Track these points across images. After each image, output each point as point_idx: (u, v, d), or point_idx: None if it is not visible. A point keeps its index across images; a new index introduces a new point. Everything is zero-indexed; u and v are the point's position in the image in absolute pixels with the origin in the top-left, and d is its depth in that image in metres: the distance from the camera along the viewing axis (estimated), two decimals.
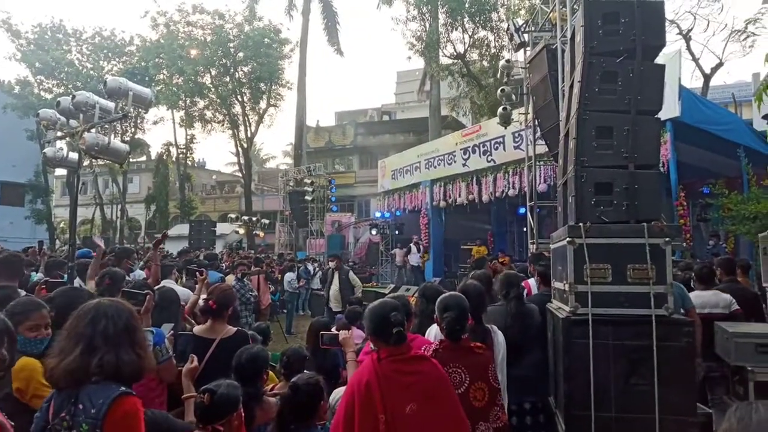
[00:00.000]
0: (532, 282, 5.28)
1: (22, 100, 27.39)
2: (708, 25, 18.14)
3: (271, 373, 3.71)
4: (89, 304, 1.96)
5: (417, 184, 17.85)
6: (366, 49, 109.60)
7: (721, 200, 9.01)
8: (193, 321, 4.46)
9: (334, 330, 4.07)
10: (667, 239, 3.30)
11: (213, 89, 30.41)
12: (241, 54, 29.76)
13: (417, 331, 3.41)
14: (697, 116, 9.32)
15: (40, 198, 29.57)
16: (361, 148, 32.96)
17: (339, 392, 3.11)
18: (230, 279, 7.68)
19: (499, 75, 12.63)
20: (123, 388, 1.77)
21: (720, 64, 18.49)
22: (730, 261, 5.59)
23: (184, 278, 6.51)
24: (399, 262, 17.34)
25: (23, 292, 3.88)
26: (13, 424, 1.84)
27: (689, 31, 17.94)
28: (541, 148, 9.46)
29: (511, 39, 10.12)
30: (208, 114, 31.90)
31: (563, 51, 7.22)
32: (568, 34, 6.60)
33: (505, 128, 11.35)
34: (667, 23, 4.68)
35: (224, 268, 10.67)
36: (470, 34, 20.71)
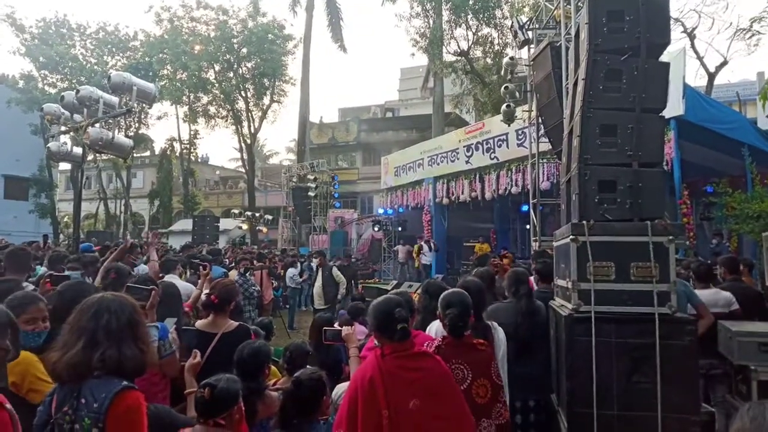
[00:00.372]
0: (532, 279, 5.29)
1: (26, 95, 27.44)
2: (713, 23, 18.26)
3: (273, 368, 3.73)
4: (92, 299, 1.96)
5: (420, 181, 17.86)
6: (369, 46, 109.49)
7: (724, 199, 8.98)
8: (191, 315, 4.48)
9: (336, 326, 4.09)
10: (670, 237, 3.29)
11: (217, 85, 30.45)
12: (244, 50, 29.77)
13: (420, 327, 3.42)
14: (701, 115, 9.29)
15: (44, 192, 29.62)
16: (364, 145, 32.94)
17: (341, 388, 3.12)
18: (233, 274, 7.70)
19: (502, 72, 12.64)
20: (125, 383, 1.78)
21: (724, 63, 18.44)
22: (734, 260, 5.56)
23: (188, 273, 6.53)
24: (401, 258, 17.34)
25: (31, 286, 3.89)
26: None
27: (694, 29, 17.89)
28: (545, 145, 9.46)
29: (515, 36, 10.11)
30: (212, 109, 31.97)
31: (567, 48, 7.22)
32: (572, 32, 6.59)
33: (509, 125, 11.35)
34: (671, 21, 4.67)
35: (227, 263, 10.69)
36: (474, 31, 20.67)
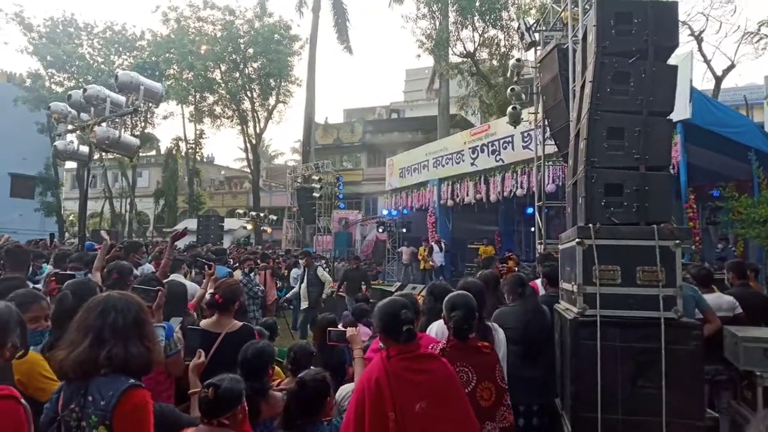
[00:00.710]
0: (538, 283, 5.27)
1: (33, 93, 27.61)
2: (720, 26, 18.15)
3: (277, 368, 3.72)
4: (99, 297, 1.97)
5: (425, 183, 17.84)
6: (375, 47, 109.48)
7: (731, 203, 8.94)
8: (192, 314, 4.48)
9: (341, 327, 4.08)
10: (677, 242, 3.28)
11: (223, 85, 30.53)
12: (251, 50, 29.85)
13: (423, 329, 3.41)
14: (708, 118, 9.25)
15: (50, 191, 29.80)
16: (369, 146, 32.96)
17: (345, 389, 3.12)
18: (238, 274, 7.71)
19: (509, 74, 12.60)
20: (132, 381, 1.78)
21: (732, 66, 18.38)
22: (741, 264, 5.54)
23: (192, 273, 6.54)
24: (406, 260, 17.32)
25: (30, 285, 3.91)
26: None
27: (701, 32, 17.85)
28: (550, 148, 9.43)
29: (521, 38, 10.09)
30: (218, 109, 32.06)
31: (574, 51, 7.19)
32: (580, 34, 6.58)
33: (515, 128, 11.33)
34: (679, 24, 4.64)
35: (232, 263, 10.70)
36: (480, 32, 20.64)
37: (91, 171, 10.02)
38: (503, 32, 20.37)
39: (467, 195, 15.51)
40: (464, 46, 21.03)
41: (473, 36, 20.77)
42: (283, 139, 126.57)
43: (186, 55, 28.84)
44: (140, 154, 30.58)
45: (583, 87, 4.17)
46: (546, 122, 8.83)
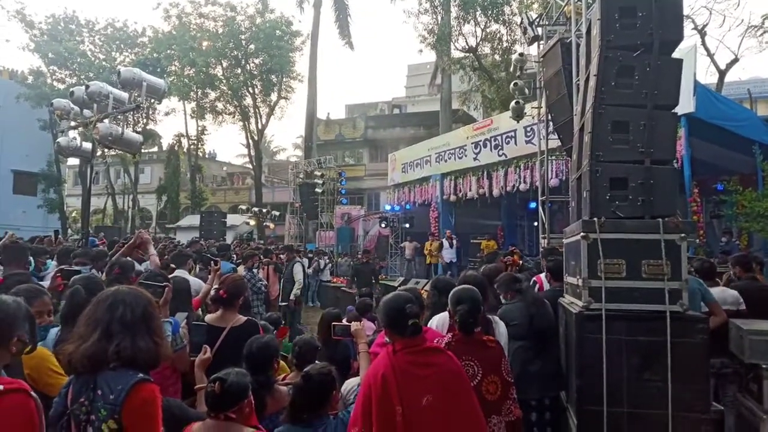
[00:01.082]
0: (543, 277, 5.27)
1: (35, 90, 27.60)
2: (724, 20, 17.94)
3: (282, 363, 3.73)
4: (107, 291, 1.98)
5: (427, 178, 17.82)
6: (377, 42, 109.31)
7: (735, 197, 8.92)
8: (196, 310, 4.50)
9: (345, 321, 4.09)
10: (682, 235, 3.28)
11: (224, 81, 30.51)
12: (252, 46, 29.80)
13: (427, 323, 3.42)
14: (711, 112, 9.21)
15: (53, 187, 29.83)
16: (371, 141, 32.90)
17: (351, 383, 3.13)
18: (242, 270, 7.72)
19: (511, 69, 12.58)
20: (141, 375, 1.79)
21: (735, 60, 18.27)
22: (747, 257, 5.52)
23: (197, 268, 6.55)
24: (408, 255, 17.32)
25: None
26: None
27: (705, 26, 17.72)
28: (553, 142, 9.42)
29: (524, 33, 10.05)
30: (220, 105, 32.06)
31: (578, 45, 7.17)
32: (583, 28, 6.56)
33: (518, 122, 11.30)
34: (683, 18, 4.61)
35: (235, 259, 10.71)
36: (482, 27, 20.56)
37: (94, 168, 10.02)
38: (505, 27, 20.29)
39: (470, 190, 15.49)
40: (466, 41, 20.97)
41: (475, 31, 20.71)
42: (285, 135, 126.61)
43: (187, 52, 28.82)
44: (142, 151, 30.59)
45: (587, 81, 4.15)
46: (549, 117, 8.81)
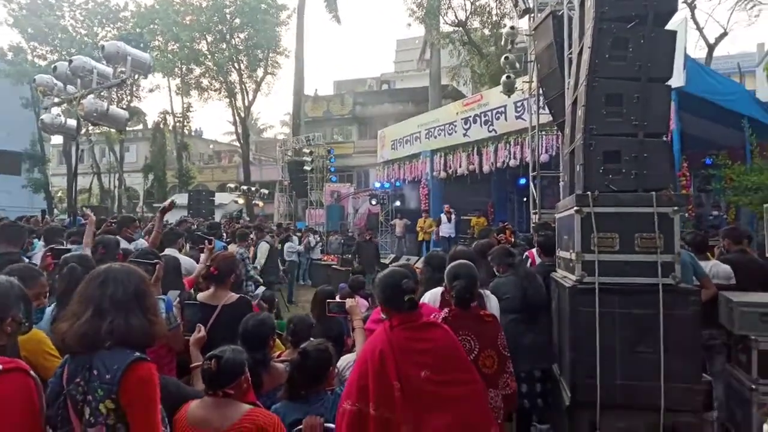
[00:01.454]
0: (534, 252, 5.29)
1: (16, 67, 26.97)
2: None
3: (277, 340, 3.73)
4: (100, 269, 1.94)
5: (417, 155, 17.75)
6: (365, 17, 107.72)
7: (723, 171, 8.96)
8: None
9: (338, 299, 4.09)
10: (675, 208, 3.29)
11: (209, 56, 29.98)
12: (237, 20, 29.24)
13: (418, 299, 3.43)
14: (701, 86, 9.19)
15: (37, 167, 29.37)
16: (359, 118, 32.62)
17: (347, 359, 3.14)
18: (233, 248, 7.68)
19: (502, 42, 12.46)
20: (138, 354, 1.76)
21: (724, 34, 18.26)
22: (736, 231, 5.57)
23: (187, 247, 6.50)
24: (399, 232, 17.33)
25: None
26: None
27: None
28: (544, 117, 9.38)
29: (515, 5, 9.94)
30: (205, 82, 31.55)
31: (570, 17, 7.10)
32: (576, 0, 6.47)
33: (509, 97, 11.24)
34: None
35: (225, 237, 10.64)
36: (472, 0, 20.35)
37: (79, 146, 9.86)
38: (495, 0, 20.09)
39: (460, 166, 15.44)
40: (455, 15, 20.77)
41: (465, 4, 20.51)
42: (273, 112, 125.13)
43: (171, 26, 28.24)
44: (127, 129, 30.13)
45: (580, 53, 4.11)
46: (540, 91, 8.76)
